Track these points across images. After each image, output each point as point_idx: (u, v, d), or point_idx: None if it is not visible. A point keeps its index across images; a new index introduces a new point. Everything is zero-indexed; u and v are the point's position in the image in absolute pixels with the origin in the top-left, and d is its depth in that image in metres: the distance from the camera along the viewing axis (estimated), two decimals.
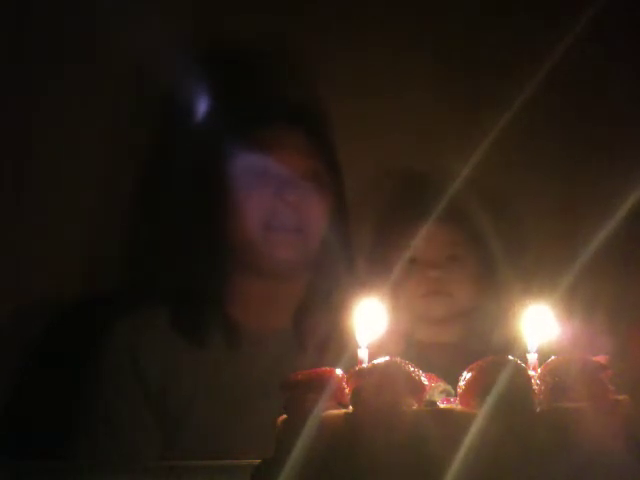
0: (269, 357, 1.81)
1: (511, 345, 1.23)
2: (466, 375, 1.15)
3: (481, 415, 1.09)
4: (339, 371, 1.16)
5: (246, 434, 1.71)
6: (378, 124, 2.11)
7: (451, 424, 1.10)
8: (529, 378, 1.13)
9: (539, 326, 1.21)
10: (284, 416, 1.17)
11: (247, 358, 1.80)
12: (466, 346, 1.87)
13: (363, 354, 1.19)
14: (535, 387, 1.13)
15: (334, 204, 1.87)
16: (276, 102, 1.98)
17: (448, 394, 1.21)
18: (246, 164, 1.81)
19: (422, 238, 1.86)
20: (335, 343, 1.79)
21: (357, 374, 1.14)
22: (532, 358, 1.19)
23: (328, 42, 2.10)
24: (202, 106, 1.95)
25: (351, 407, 1.13)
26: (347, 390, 1.14)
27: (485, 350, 1.23)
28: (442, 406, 1.15)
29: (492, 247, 1.89)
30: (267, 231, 1.78)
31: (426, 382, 1.15)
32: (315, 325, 1.84)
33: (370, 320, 1.22)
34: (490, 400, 1.10)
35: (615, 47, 2.04)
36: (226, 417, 1.76)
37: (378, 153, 2.11)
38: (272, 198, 1.78)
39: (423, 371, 1.16)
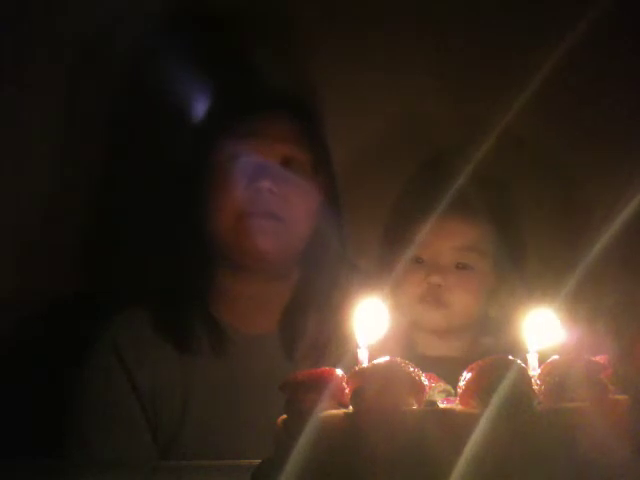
0: (259, 360, 1.79)
1: (515, 351, 1.22)
2: (466, 375, 1.15)
3: (481, 415, 1.09)
4: (339, 371, 1.16)
5: (242, 435, 1.71)
6: (378, 108, 2.09)
7: (451, 424, 1.11)
8: (529, 378, 1.13)
9: (543, 330, 1.21)
10: (284, 416, 1.17)
11: (237, 360, 1.79)
12: (469, 361, 1.81)
13: (363, 355, 1.19)
14: (535, 387, 1.13)
15: (322, 194, 1.82)
16: (259, 90, 1.95)
17: (448, 394, 1.22)
18: (222, 154, 1.78)
19: (433, 237, 1.74)
20: (327, 346, 1.78)
21: (357, 374, 1.14)
22: (532, 358, 1.19)
23: (326, 28, 2.08)
24: (180, 97, 1.94)
25: (351, 407, 1.13)
26: (347, 390, 1.14)
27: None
28: (442, 406, 1.15)
29: (505, 258, 1.80)
30: (242, 219, 1.74)
31: (426, 382, 1.15)
32: (303, 328, 1.82)
33: (370, 321, 1.22)
34: (490, 400, 1.10)
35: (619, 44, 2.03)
36: (220, 418, 1.75)
37: (384, 139, 2.09)
38: (246, 186, 1.74)
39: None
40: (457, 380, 1.17)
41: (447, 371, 1.61)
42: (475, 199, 1.73)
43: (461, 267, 1.74)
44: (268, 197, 1.73)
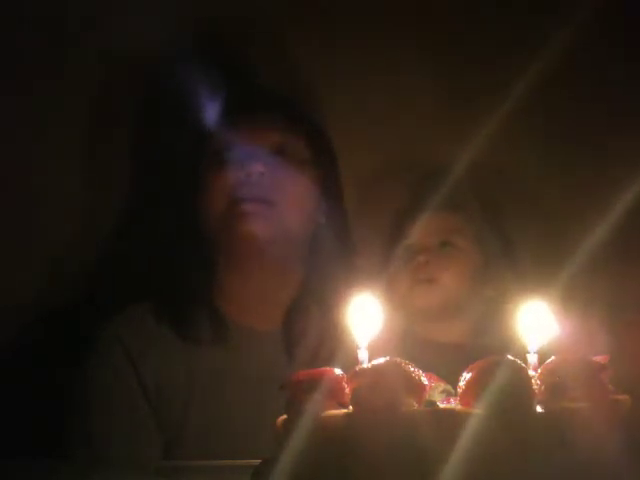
0: (261, 356, 1.80)
1: (512, 344, 1.23)
2: (466, 375, 1.15)
3: (481, 415, 1.09)
4: (339, 371, 1.16)
5: (244, 432, 1.71)
6: (377, 115, 2.10)
7: (451, 424, 1.10)
8: (529, 378, 1.13)
9: (537, 324, 1.21)
10: (284, 416, 1.17)
11: (239, 355, 1.79)
12: (468, 347, 1.85)
13: (363, 354, 1.19)
14: (535, 387, 1.13)
15: (320, 182, 1.84)
16: (257, 92, 1.96)
17: (448, 394, 1.22)
18: (216, 144, 1.81)
19: (418, 225, 1.85)
20: (328, 345, 1.78)
21: (357, 374, 1.14)
22: (532, 358, 1.19)
23: (328, 35, 2.09)
24: (181, 96, 1.95)
25: (351, 407, 1.13)
26: (347, 390, 1.14)
27: (487, 351, 1.23)
28: (442, 406, 1.15)
29: (490, 238, 1.87)
30: (233, 204, 1.75)
31: (426, 382, 1.15)
32: (305, 327, 1.82)
33: (366, 318, 1.21)
34: (490, 400, 1.10)
35: (615, 40, 2.04)
36: (222, 415, 1.75)
37: (378, 144, 2.10)
38: (236, 173, 1.76)
39: (423, 371, 1.16)
40: (461, 366, 1.17)
41: (451, 357, 1.67)
42: (457, 190, 1.84)
43: (443, 245, 1.84)
44: (258, 181, 1.75)
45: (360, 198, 2.06)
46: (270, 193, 1.75)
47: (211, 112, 1.86)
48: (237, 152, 1.78)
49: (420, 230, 1.85)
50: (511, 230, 1.98)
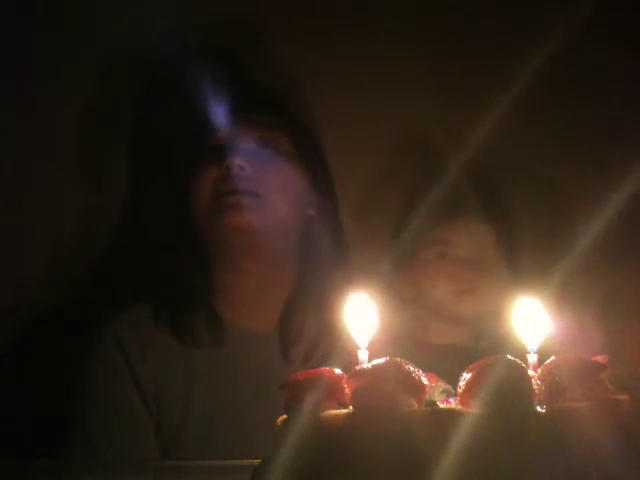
0: (258, 357, 1.80)
1: (511, 345, 1.23)
2: (466, 375, 1.15)
3: (481, 415, 1.09)
4: (339, 371, 1.16)
5: (243, 432, 1.71)
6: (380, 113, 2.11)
7: (451, 424, 1.10)
8: (529, 378, 1.13)
9: (533, 323, 1.22)
10: (284, 416, 1.17)
11: (236, 356, 1.79)
12: (469, 349, 1.85)
13: (363, 354, 1.19)
14: (535, 387, 1.13)
15: (307, 176, 1.85)
16: (239, 91, 1.97)
17: (448, 394, 1.22)
18: (203, 144, 1.83)
19: (461, 234, 1.86)
20: (325, 345, 1.79)
21: (357, 374, 1.14)
22: (532, 358, 1.19)
23: (328, 35, 2.09)
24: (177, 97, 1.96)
25: (351, 407, 1.13)
26: (347, 390, 1.14)
27: (488, 353, 1.23)
28: (442, 406, 1.15)
29: (516, 248, 1.89)
30: (216, 199, 1.77)
31: (426, 382, 1.15)
32: (302, 327, 1.83)
33: (365, 318, 1.21)
34: (490, 400, 1.10)
35: (615, 40, 2.04)
36: (221, 416, 1.75)
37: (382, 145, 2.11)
38: (218, 168, 1.79)
39: (423, 372, 1.16)
40: (460, 368, 1.17)
41: (452, 359, 1.67)
42: (483, 202, 1.86)
43: (485, 258, 1.86)
44: (240, 175, 1.77)
45: (367, 200, 2.06)
46: (253, 185, 1.77)
47: (202, 112, 1.87)
48: (220, 149, 1.80)
49: (464, 240, 1.86)
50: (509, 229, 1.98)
